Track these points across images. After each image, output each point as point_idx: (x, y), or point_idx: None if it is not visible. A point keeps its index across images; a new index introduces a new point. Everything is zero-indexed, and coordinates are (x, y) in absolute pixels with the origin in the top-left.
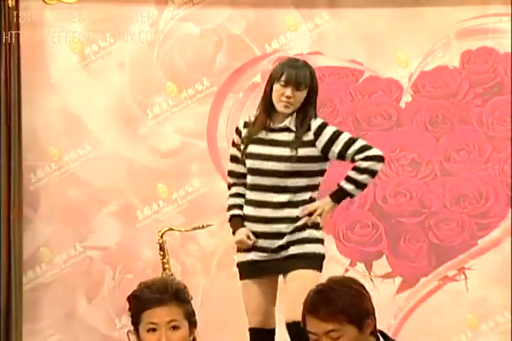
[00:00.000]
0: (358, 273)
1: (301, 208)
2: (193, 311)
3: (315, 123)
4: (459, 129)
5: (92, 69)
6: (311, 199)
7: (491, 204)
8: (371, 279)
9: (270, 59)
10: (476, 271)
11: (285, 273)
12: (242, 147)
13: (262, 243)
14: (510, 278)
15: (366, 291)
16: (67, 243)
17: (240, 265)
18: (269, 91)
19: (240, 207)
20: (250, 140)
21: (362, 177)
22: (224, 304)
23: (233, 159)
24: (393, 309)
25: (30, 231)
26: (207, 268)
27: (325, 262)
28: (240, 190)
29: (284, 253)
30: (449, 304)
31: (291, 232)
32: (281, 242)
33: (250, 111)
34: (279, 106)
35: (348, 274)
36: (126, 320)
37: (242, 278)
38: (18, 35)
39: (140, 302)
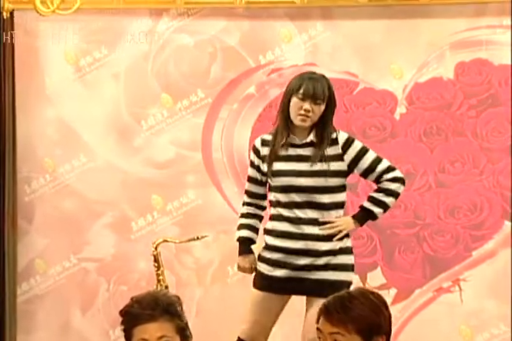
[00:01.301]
0: (352, 284)
1: (325, 226)
2: (186, 324)
3: (341, 137)
4: (453, 141)
5: (87, 81)
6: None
7: (485, 215)
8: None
9: (265, 70)
10: (471, 283)
11: (310, 295)
12: (264, 166)
13: (291, 259)
14: (504, 290)
15: (386, 309)
16: (61, 254)
17: (261, 275)
18: (287, 105)
19: (250, 227)
20: (274, 157)
21: (389, 200)
22: (219, 315)
23: (251, 180)
24: None
25: (24, 242)
26: (202, 279)
27: None
28: (251, 209)
29: (312, 276)
30: (443, 315)
31: (326, 254)
32: (314, 262)
33: (245, 122)
34: (297, 120)
35: None
36: (121, 332)
37: (256, 287)
38: (12, 46)
39: (131, 317)
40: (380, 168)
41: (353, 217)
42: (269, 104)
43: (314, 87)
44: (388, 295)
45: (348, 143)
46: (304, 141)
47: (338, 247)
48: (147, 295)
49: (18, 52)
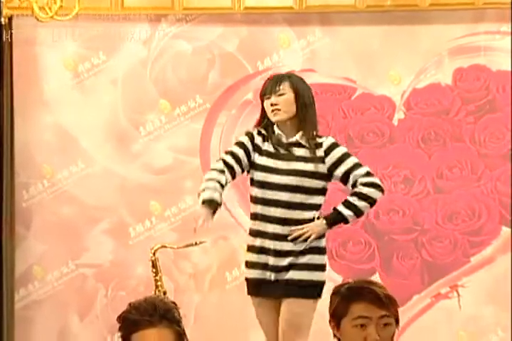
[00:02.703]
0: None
1: (292, 228)
2: (183, 331)
3: (327, 142)
4: (451, 147)
5: (85, 87)
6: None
7: (483, 221)
8: None
9: (263, 76)
10: (469, 289)
11: (282, 297)
12: (255, 155)
13: (269, 260)
14: (503, 296)
15: None
16: (59, 260)
17: (247, 280)
18: (264, 110)
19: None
20: (259, 151)
21: (362, 205)
22: (217, 321)
23: (233, 155)
24: None
25: (22, 248)
26: (200, 285)
27: None
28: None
29: (284, 277)
30: (441, 321)
31: (294, 254)
32: (283, 263)
33: (243, 128)
34: (272, 117)
35: None
36: (119, 338)
37: (249, 293)
38: (11, 52)
39: (129, 324)
40: (358, 172)
41: (325, 218)
42: None
43: (271, 82)
44: None
45: (332, 146)
46: (289, 140)
47: (304, 247)
48: (145, 301)
49: (17, 58)
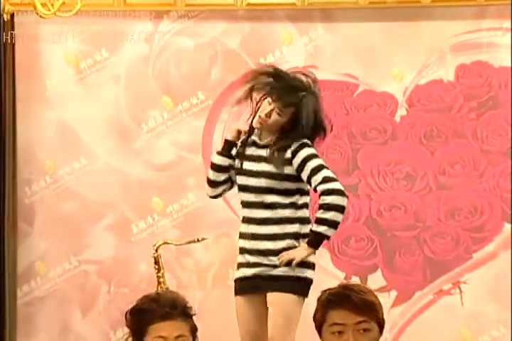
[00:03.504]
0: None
1: (280, 255)
2: (196, 326)
3: (296, 143)
4: (453, 143)
5: (88, 83)
6: (292, 218)
7: (486, 218)
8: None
9: None
10: (471, 285)
11: (267, 292)
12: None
13: (251, 259)
14: (505, 292)
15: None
16: (62, 257)
17: (235, 281)
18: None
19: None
20: (241, 156)
21: (330, 215)
22: (220, 318)
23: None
24: (388, 323)
25: (25, 244)
26: (202, 281)
27: (320, 275)
28: None
29: (270, 272)
30: (444, 318)
31: (275, 254)
32: (269, 261)
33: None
34: (255, 121)
35: None
36: (121, 334)
37: (235, 294)
38: (13, 48)
39: (147, 315)
40: (315, 178)
41: (307, 242)
42: None
43: (285, 89)
44: (388, 298)
45: (298, 149)
46: (262, 143)
47: (289, 246)
48: (162, 294)
49: (19, 54)
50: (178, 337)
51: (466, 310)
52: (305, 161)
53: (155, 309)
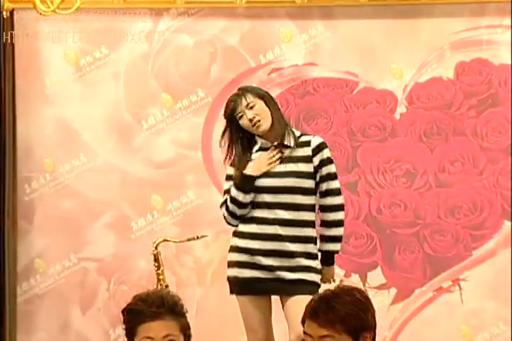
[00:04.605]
0: (352, 284)
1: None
2: (188, 324)
3: (315, 140)
4: (453, 140)
5: (87, 81)
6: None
7: (485, 215)
8: (366, 290)
9: (265, 70)
10: (471, 283)
11: (288, 295)
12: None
13: (265, 261)
14: (504, 290)
15: (371, 305)
16: (61, 254)
17: (234, 279)
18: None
19: None
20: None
21: (334, 231)
22: (219, 315)
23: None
24: (388, 320)
25: (24, 242)
26: (202, 279)
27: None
28: None
29: (287, 276)
30: (443, 315)
31: (300, 256)
32: (290, 264)
33: None
34: (255, 131)
35: None
36: (121, 332)
37: (235, 293)
38: (12, 46)
39: (136, 315)
40: (326, 186)
41: (322, 264)
42: None
43: (236, 100)
44: (388, 295)
45: (320, 147)
46: (270, 145)
47: (306, 251)
48: (152, 293)
49: (18, 51)
50: (165, 336)
51: (466, 307)
52: (326, 162)
53: (143, 309)
